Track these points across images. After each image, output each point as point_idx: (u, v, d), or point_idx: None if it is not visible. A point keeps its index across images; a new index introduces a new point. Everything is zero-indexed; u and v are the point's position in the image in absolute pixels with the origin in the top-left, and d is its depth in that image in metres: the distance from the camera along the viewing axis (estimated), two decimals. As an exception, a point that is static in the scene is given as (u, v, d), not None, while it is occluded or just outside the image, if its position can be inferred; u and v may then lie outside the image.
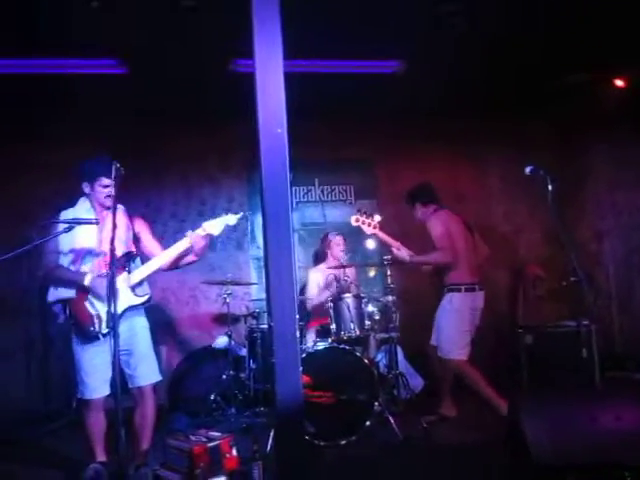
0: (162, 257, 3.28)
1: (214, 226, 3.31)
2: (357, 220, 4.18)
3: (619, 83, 5.00)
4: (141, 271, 3.26)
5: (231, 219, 3.36)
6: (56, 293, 3.17)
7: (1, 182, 5.16)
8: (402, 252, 4.14)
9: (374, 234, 4.20)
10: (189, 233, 3.30)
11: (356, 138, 5.82)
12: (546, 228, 5.78)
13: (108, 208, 3.16)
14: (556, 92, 5.18)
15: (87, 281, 3.10)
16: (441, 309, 4.25)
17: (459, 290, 4.13)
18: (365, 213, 4.21)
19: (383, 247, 5.72)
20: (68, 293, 3.14)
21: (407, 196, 4.49)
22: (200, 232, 3.29)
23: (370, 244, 5.86)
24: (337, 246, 5.00)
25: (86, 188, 3.25)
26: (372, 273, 5.66)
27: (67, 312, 3.17)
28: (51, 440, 4.27)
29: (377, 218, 4.23)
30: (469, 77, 4.75)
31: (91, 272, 3.14)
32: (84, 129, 5.04)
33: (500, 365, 5.02)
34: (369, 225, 4.16)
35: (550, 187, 3.15)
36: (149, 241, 3.43)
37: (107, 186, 3.16)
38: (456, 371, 4.15)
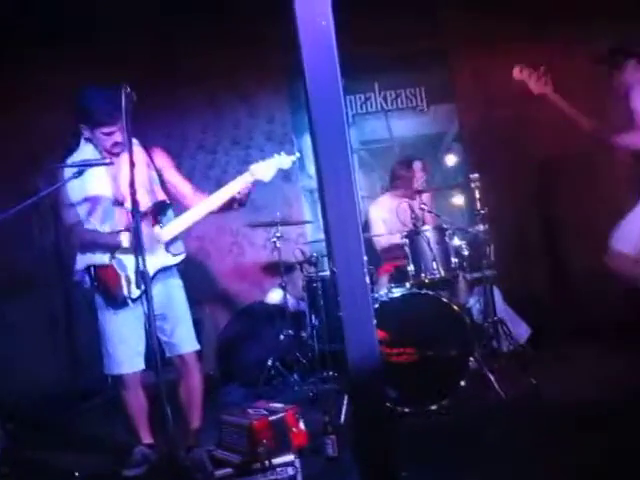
0: (209, 203, 3.30)
1: (264, 170, 3.31)
2: (521, 71, 3.90)
3: None
4: (177, 224, 3.32)
5: (285, 161, 3.37)
6: (85, 259, 3.31)
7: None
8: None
9: (543, 94, 3.88)
10: (251, 168, 3.31)
11: (425, 24, 5.60)
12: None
13: (116, 154, 3.23)
14: None
15: (125, 243, 3.22)
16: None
17: None
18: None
19: (467, 163, 5.64)
20: (100, 258, 3.28)
21: (614, 52, 4.01)
22: (248, 178, 3.31)
23: (450, 160, 5.76)
24: (417, 180, 4.95)
25: (85, 132, 3.29)
26: (458, 199, 5.54)
27: (92, 275, 3.30)
28: (87, 422, 4.56)
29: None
30: None
31: (123, 229, 3.24)
32: (92, 47, 5.07)
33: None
34: (538, 79, 3.85)
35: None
36: (175, 177, 3.47)
37: (111, 133, 3.19)
38: (618, 270, 3.91)
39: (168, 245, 3.33)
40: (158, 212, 3.32)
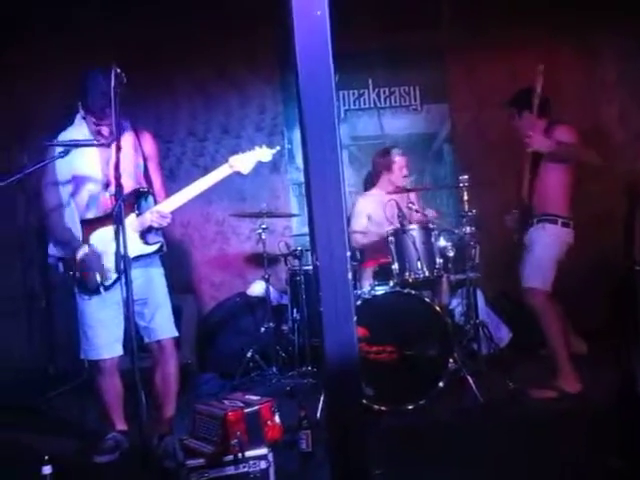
0: (186, 192, 3.27)
1: (243, 162, 3.32)
2: None
3: None
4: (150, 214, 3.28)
5: (265, 155, 3.38)
6: (55, 249, 3.32)
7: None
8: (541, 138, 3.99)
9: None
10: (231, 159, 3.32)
11: (423, 20, 5.59)
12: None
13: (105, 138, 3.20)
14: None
15: (79, 254, 3.23)
16: (529, 240, 4.15)
17: (555, 222, 4.07)
18: None
19: (457, 165, 5.66)
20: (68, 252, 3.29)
21: (512, 100, 4.27)
22: (226, 170, 3.30)
23: (440, 160, 5.77)
24: (399, 169, 4.94)
25: (82, 111, 3.28)
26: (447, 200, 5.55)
27: (65, 263, 3.31)
28: (61, 406, 4.52)
29: None
30: None
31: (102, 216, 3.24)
32: (83, 31, 5.04)
33: (609, 315, 4.95)
34: None
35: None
36: (154, 171, 3.46)
37: (99, 124, 3.19)
38: (535, 306, 4.07)
39: (145, 234, 3.30)
40: (136, 199, 3.29)
